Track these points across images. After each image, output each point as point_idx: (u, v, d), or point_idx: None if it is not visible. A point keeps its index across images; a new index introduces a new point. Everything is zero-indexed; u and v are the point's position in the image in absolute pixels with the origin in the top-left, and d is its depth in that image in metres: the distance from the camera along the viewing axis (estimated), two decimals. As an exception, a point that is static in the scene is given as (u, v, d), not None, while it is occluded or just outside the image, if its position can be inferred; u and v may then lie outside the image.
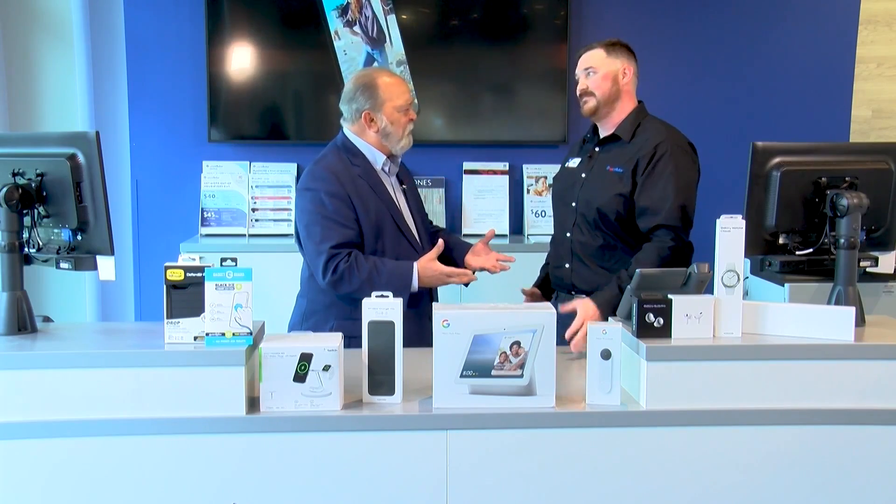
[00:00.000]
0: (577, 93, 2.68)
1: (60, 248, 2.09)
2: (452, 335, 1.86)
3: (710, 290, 2.00)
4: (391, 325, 1.90)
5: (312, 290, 2.58)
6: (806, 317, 1.99)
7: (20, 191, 2.02)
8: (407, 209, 2.65)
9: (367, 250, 2.49)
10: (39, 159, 2.06)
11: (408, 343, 1.95)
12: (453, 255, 2.67)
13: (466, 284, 2.67)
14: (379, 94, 2.54)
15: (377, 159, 2.59)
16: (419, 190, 4.17)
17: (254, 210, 4.11)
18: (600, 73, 2.62)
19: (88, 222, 2.07)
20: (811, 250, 2.21)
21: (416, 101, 2.65)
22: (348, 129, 2.61)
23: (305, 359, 1.86)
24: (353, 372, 1.95)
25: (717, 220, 1.97)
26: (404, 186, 2.69)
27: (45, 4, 4.08)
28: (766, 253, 2.26)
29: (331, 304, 2.53)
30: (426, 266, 2.48)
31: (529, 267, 3.00)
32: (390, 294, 1.93)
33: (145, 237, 4.20)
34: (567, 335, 2.35)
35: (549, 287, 2.83)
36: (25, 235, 2.08)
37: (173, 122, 4.17)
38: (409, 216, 2.63)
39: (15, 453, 1.86)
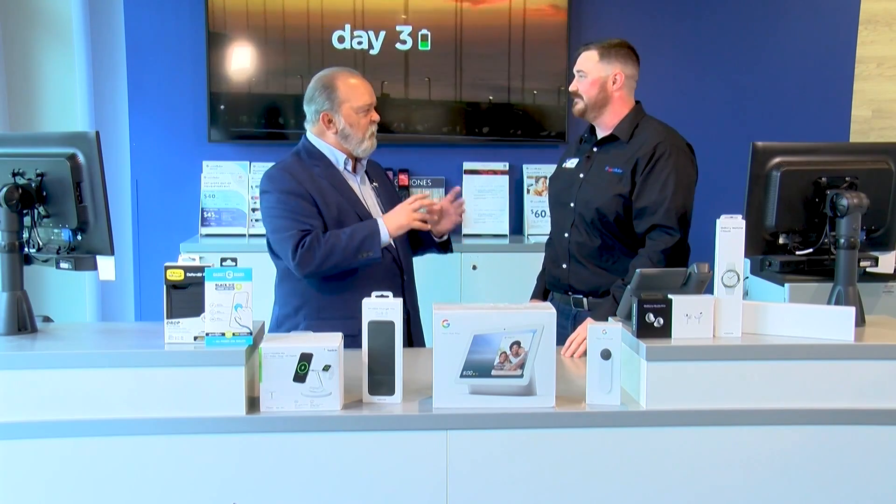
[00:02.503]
0: (569, 91, 2.69)
1: (60, 248, 2.09)
2: (452, 335, 1.86)
3: (710, 290, 2.00)
4: (391, 325, 1.90)
5: (282, 295, 2.59)
6: (806, 317, 1.99)
7: (20, 191, 2.01)
8: (376, 206, 2.63)
9: None
10: (39, 159, 2.05)
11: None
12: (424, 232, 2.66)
13: (434, 236, 2.65)
14: (338, 94, 2.53)
15: (338, 159, 2.57)
16: (419, 190, 4.23)
17: (254, 210, 4.10)
18: (589, 78, 2.61)
19: (88, 222, 2.07)
20: (811, 250, 2.21)
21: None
22: (310, 132, 2.60)
23: (305, 359, 1.86)
24: (353, 372, 1.95)
25: (717, 220, 1.97)
26: (375, 184, 2.67)
27: (45, 4, 4.08)
28: (766, 253, 2.26)
29: (300, 306, 2.54)
30: (388, 213, 2.50)
31: (529, 267, 3.00)
32: (390, 294, 1.93)
33: (145, 237, 4.20)
34: (565, 347, 2.38)
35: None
36: (25, 235, 2.07)
37: (173, 122, 4.17)
38: (377, 213, 2.60)
39: (15, 453, 1.86)
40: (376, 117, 2.57)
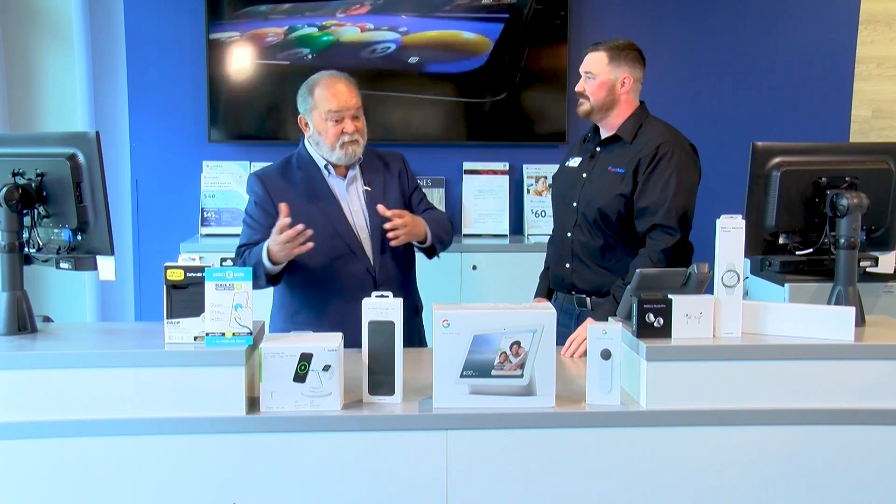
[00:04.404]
0: (575, 91, 2.67)
1: (60, 248, 2.09)
2: (452, 335, 1.86)
3: (710, 290, 2.00)
4: (391, 325, 1.90)
5: (276, 295, 2.62)
6: (806, 317, 1.99)
7: (20, 191, 2.02)
8: (361, 210, 2.53)
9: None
10: (39, 159, 2.06)
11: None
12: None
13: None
14: (312, 99, 2.48)
15: (320, 164, 2.53)
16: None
17: (254, 210, 4.10)
18: (597, 80, 2.60)
19: (88, 222, 2.07)
20: (811, 250, 2.21)
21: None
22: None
23: (305, 359, 1.86)
24: (353, 372, 1.95)
25: (717, 220, 1.97)
26: (367, 188, 2.55)
27: (45, 4, 4.07)
28: (766, 253, 2.26)
29: (280, 306, 2.56)
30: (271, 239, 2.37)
31: (529, 267, 3.00)
32: (390, 294, 1.93)
33: (145, 237, 4.20)
34: (565, 347, 2.38)
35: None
36: (25, 235, 2.08)
37: (173, 122, 4.17)
38: (360, 217, 2.52)
39: (15, 453, 1.86)
40: (350, 128, 2.44)
